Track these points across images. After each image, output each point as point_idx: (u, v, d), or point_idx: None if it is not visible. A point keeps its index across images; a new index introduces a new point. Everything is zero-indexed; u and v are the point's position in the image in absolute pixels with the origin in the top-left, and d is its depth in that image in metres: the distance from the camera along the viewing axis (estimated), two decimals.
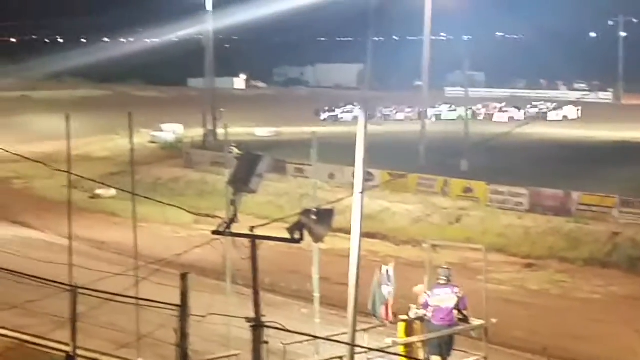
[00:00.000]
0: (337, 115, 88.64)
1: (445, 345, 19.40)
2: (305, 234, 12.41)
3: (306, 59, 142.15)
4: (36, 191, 53.14)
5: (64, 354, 20.40)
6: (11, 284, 23.37)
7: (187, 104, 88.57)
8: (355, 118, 71.65)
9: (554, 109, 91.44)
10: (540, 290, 32.89)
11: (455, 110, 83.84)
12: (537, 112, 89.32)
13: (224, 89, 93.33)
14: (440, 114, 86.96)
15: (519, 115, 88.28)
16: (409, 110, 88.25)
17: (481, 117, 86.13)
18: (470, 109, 73.33)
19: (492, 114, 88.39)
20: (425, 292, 19.80)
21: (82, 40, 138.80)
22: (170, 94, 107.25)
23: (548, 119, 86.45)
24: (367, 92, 24.09)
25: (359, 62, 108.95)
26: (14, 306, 23.29)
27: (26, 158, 26.21)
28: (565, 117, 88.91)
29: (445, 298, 19.46)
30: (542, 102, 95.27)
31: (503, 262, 35.22)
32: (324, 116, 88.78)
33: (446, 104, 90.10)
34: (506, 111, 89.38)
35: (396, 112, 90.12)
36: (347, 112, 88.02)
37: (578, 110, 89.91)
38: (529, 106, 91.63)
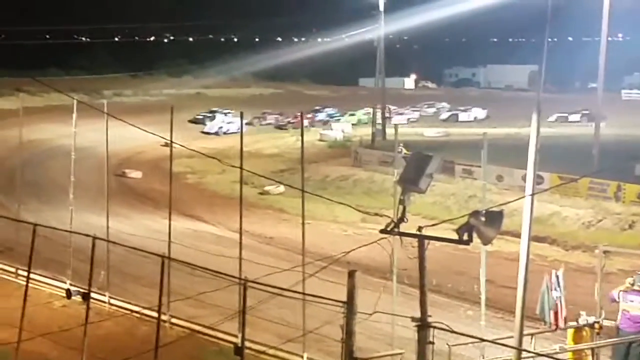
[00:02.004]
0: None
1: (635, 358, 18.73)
2: (474, 235, 12.27)
3: (477, 60, 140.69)
4: (208, 186, 54.63)
5: (232, 345, 20.95)
6: (184, 275, 24.20)
7: (357, 103, 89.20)
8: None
9: None
10: None
11: None
12: None
13: (394, 89, 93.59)
14: None
15: None
16: (584, 112, 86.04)
17: None
18: None
19: None
20: (620, 290, 19.26)
21: (256, 39, 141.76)
22: (341, 93, 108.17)
23: None
24: (540, 93, 23.57)
25: (531, 63, 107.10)
26: (187, 297, 24.01)
27: (201, 153, 27.01)
28: None
29: (637, 305, 18.91)
30: None
31: None
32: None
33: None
34: None
35: (569, 115, 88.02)
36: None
37: None
38: None
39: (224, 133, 73.58)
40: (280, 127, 79.14)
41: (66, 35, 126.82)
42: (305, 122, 76.18)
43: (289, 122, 79.26)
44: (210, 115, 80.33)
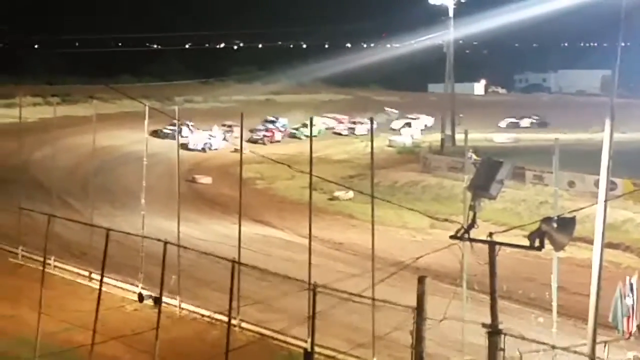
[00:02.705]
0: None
1: None
2: (546, 242, 12.16)
3: (548, 65, 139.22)
4: (277, 191, 54.86)
5: (301, 350, 21.02)
6: (253, 280, 24.38)
7: (425, 109, 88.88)
8: None
9: None
10: None
11: None
12: None
13: (463, 95, 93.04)
14: None
15: None
16: None
17: None
18: None
19: None
20: None
21: (325, 46, 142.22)
22: (410, 99, 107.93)
23: None
24: (614, 98, 23.27)
25: (603, 68, 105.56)
26: (257, 301, 24.17)
27: (271, 160, 27.21)
28: None
29: None
30: None
31: None
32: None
33: None
34: None
35: None
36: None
37: None
38: None
39: (209, 149, 67.81)
40: (254, 141, 69.33)
41: (138, 43, 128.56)
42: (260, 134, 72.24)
43: (264, 136, 72.92)
44: (171, 129, 64.47)
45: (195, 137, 68.45)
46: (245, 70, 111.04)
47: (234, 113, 43.23)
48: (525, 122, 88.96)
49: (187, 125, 68.36)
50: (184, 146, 60.04)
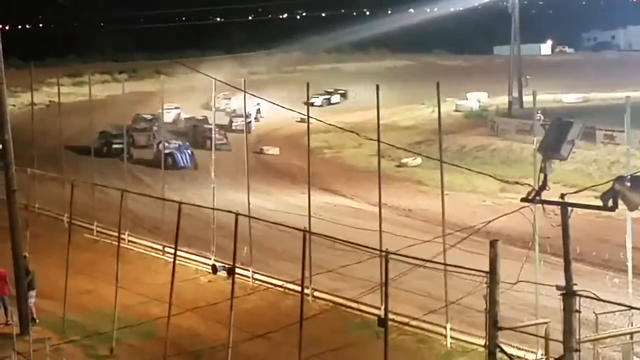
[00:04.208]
0: None
1: None
2: (619, 201, 12.02)
3: (617, 22, 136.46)
4: (345, 160, 54.95)
5: (375, 317, 21.13)
6: (324, 249, 24.48)
7: (492, 72, 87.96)
8: None
9: None
10: None
11: None
12: None
13: (530, 56, 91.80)
14: None
15: None
16: None
17: None
18: None
19: None
20: None
21: (388, 12, 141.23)
22: (476, 62, 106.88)
23: None
24: None
25: None
26: (329, 270, 24.30)
27: (338, 127, 27.20)
28: None
29: None
30: None
31: None
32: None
33: None
34: None
35: None
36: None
37: None
38: None
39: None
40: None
41: (202, 17, 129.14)
42: None
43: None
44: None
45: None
46: (309, 40, 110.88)
47: (298, 84, 43.13)
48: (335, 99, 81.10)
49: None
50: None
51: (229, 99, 63.40)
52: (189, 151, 50.88)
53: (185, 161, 50.05)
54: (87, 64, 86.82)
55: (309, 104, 29.52)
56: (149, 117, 57.95)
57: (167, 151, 45.18)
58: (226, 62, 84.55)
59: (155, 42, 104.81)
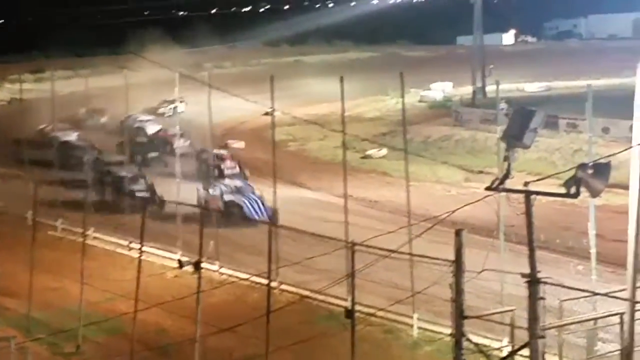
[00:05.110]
0: None
1: None
2: (582, 189, 12.10)
3: (578, 10, 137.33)
4: (310, 152, 54.90)
5: (342, 309, 21.14)
6: (291, 242, 24.51)
7: (455, 62, 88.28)
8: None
9: None
10: None
11: None
12: None
13: (493, 45, 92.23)
14: None
15: None
16: None
17: None
18: None
19: None
20: None
21: (352, 4, 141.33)
22: (439, 53, 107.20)
23: None
24: None
25: (635, 11, 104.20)
26: (295, 262, 24.30)
27: (304, 120, 27.21)
28: None
29: None
30: None
31: None
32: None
33: None
34: None
35: None
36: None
37: None
38: None
39: None
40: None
41: (165, 10, 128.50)
42: None
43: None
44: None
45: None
46: (273, 32, 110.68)
47: (262, 77, 43.19)
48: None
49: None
50: None
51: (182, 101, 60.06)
52: (256, 195, 36.19)
53: (258, 211, 34.91)
54: (50, 59, 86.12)
55: (272, 98, 29.44)
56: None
57: (227, 198, 35.89)
58: (189, 56, 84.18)
59: (117, 37, 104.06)
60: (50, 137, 45.34)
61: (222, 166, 42.71)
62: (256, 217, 33.64)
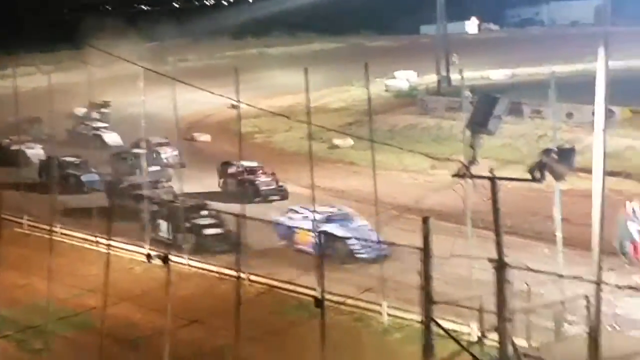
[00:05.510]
0: None
1: None
2: (547, 173, 12.22)
3: None
4: (276, 144, 54.88)
5: (311, 299, 21.20)
6: (259, 233, 24.53)
7: (419, 51, 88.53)
8: None
9: None
10: None
11: None
12: None
13: (456, 34, 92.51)
14: None
15: None
16: None
17: None
18: None
19: None
20: None
21: None
22: (403, 42, 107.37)
23: None
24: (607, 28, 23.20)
25: None
26: (264, 254, 24.38)
27: (270, 112, 27.21)
28: None
29: None
30: None
31: None
32: None
33: None
34: None
35: None
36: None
37: None
38: None
39: None
40: None
41: (127, 4, 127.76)
42: None
43: None
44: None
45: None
46: (237, 25, 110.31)
47: (227, 70, 42.91)
48: None
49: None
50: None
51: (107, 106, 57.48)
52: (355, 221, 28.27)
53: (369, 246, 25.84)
54: (12, 55, 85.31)
55: (238, 90, 29.38)
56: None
57: (324, 228, 25.32)
58: (152, 50, 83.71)
59: (80, 31, 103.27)
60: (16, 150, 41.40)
61: (257, 182, 36.56)
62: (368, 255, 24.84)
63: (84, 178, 39.04)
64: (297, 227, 26.46)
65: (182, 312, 22.03)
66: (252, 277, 25.67)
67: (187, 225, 28.50)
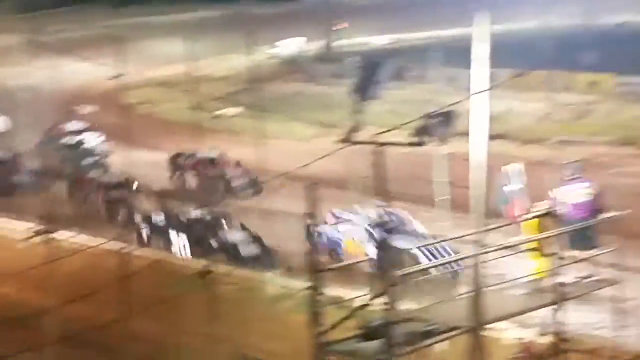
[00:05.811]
0: None
1: (583, 240, 18.90)
2: (428, 137, 12.34)
3: None
4: (160, 114, 54.16)
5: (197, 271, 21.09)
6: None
7: (305, 18, 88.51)
8: None
9: None
10: None
11: None
12: None
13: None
14: None
15: None
16: None
17: None
18: None
19: None
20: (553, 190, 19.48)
21: None
22: (288, 8, 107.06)
23: None
24: None
25: None
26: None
27: (155, 83, 26.77)
28: None
29: (576, 193, 19.15)
30: None
31: (635, 154, 34.39)
32: None
33: None
34: None
35: None
36: None
37: None
38: None
39: None
40: None
41: None
42: None
43: None
44: None
45: None
46: None
47: (110, 40, 41.92)
48: None
49: None
50: None
51: None
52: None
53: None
54: None
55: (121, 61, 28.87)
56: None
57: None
58: (28, 21, 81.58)
59: None
60: None
61: (227, 176, 31.44)
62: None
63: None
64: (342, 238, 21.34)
65: (68, 288, 21.66)
66: (138, 252, 25.37)
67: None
